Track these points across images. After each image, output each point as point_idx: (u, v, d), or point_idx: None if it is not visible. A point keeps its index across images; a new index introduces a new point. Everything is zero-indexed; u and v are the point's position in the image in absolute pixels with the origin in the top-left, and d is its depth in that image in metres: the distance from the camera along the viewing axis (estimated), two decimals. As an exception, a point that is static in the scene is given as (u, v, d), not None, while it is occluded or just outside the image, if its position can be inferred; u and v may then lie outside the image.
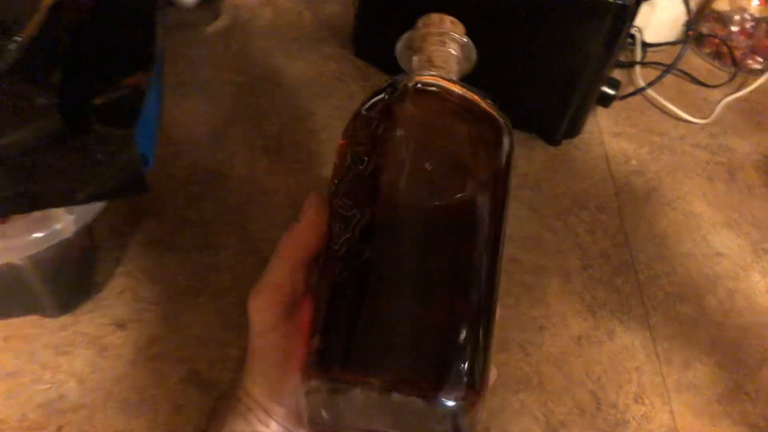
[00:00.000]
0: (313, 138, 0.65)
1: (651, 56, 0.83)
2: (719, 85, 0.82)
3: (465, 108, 0.34)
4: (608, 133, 0.73)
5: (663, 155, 0.72)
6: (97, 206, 0.38)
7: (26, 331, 0.49)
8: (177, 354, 0.49)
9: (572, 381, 0.52)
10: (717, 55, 0.86)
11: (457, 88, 0.34)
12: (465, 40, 0.36)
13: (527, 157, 0.69)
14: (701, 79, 0.82)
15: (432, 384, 0.27)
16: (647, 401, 0.51)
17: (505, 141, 0.33)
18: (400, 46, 0.37)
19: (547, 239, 0.61)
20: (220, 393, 0.34)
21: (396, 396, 0.27)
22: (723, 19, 0.86)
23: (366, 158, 0.31)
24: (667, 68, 0.77)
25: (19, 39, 0.31)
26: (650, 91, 0.77)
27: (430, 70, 0.34)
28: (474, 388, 0.28)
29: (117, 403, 0.46)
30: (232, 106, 0.67)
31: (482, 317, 0.30)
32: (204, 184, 0.60)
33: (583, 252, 0.61)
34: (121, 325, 0.50)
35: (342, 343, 0.28)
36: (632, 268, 0.60)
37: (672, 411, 0.51)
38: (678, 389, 0.52)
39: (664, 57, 0.82)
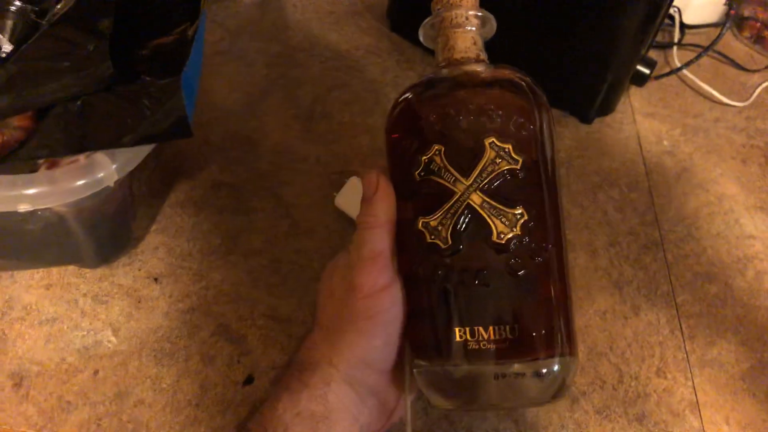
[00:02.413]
0: (345, 109, 0.66)
1: (689, 38, 0.81)
2: (758, 70, 0.80)
3: (495, 84, 0.36)
4: (641, 112, 0.72)
5: (697, 137, 0.71)
6: (139, 156, 0.39)
7: (67, 280, 0.51)
8: (208, 309, 0.51)
9: (595, 353, 0.52)
10: (757, 39, 0.84)
11: (481, 69, 0.36)
12: (480, 13, 0.37)
13: (559, 134, 0.68)
14: (740, 63, 0.80)
15: (542, 348, 0.32)
16: (669, 375, 0.51)
17: (544, 114, 0.35)
18: (422, 35, 0.39)
19: (575, 215, 0.61)
20: (288, 361, 0.36)
21: (510, 366, 0.31)
22: (765, 2, 0.84)
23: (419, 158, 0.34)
24: (705, 49, 0.76)
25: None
26: (686, 72, 0.76)
27: (452, 59, 0.36)
28: (572, 347, 0.33)
29: (150, 352, 0.48)
30: (267, 75, 0.68)
31: (567, 286, 0.34)
32: (238, 149, 0.61)
33: (611, 229, 0.61)
34: (156, 279, 0.52)
35: (451, 326, 0.32)
36: (660, 246, 0.60)
37: (694, 386, 0.51)
38: (701, 365, 0.52)
39: (703, 39, 0.80)
